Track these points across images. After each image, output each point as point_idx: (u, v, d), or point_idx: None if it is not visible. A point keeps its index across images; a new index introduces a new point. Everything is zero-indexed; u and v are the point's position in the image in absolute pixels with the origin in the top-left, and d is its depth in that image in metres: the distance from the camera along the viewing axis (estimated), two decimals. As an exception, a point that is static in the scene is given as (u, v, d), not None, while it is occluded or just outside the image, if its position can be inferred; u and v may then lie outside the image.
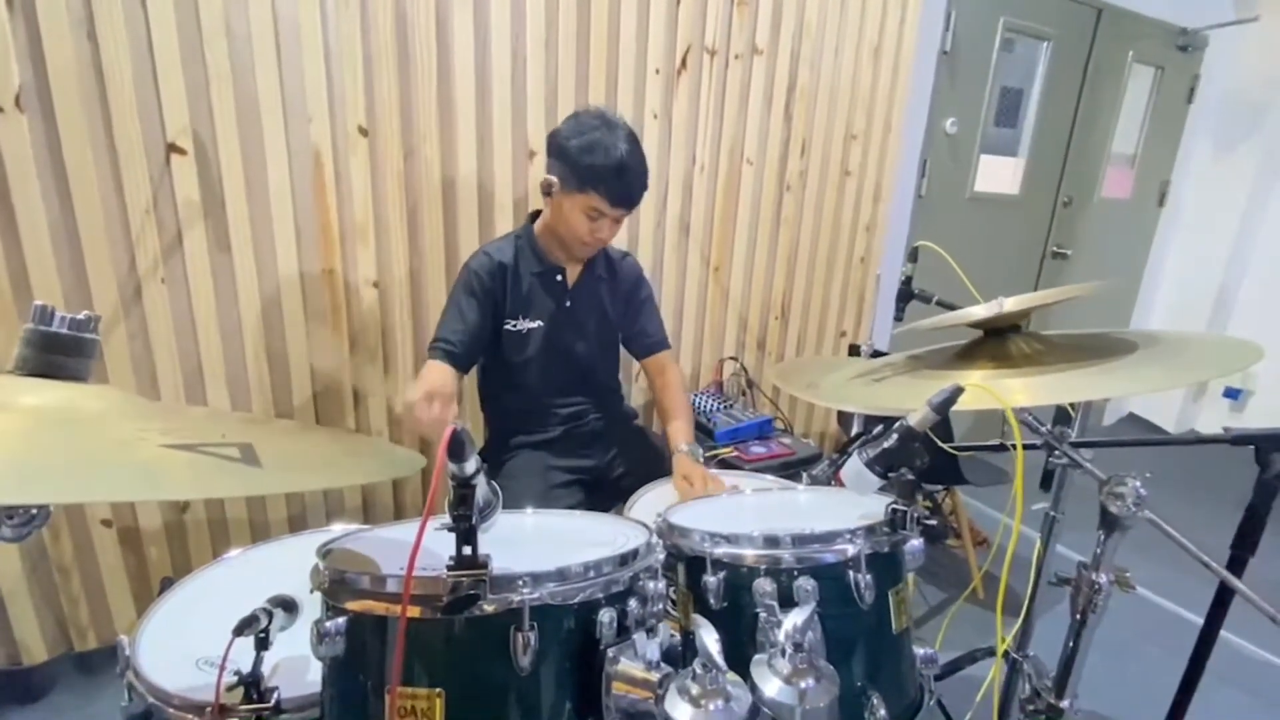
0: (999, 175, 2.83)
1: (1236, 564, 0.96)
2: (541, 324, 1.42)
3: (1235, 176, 3.34)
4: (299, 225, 1.52)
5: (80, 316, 0.56)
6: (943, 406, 0.71)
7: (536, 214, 1.45)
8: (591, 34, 1.75)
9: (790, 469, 1.82)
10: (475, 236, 1.72)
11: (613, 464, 1.51)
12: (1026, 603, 1.14)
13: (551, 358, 1.44)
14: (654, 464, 1.48)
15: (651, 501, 1.26)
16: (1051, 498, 1.18)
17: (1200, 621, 1.04)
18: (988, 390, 0.73)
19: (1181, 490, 2.60)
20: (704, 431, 1.93)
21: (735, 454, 1.85)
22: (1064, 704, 0.95)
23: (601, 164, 1.24)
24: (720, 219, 2.13)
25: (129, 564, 1.52)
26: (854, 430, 1.70)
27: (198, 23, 1.33)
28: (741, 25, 1.98)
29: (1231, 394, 3.53)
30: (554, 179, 1.30)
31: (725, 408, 2.02)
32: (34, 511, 0.52)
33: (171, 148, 1.37)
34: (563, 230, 1.35)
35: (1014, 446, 0.79)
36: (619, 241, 1.92)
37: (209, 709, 0.68)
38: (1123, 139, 3.14)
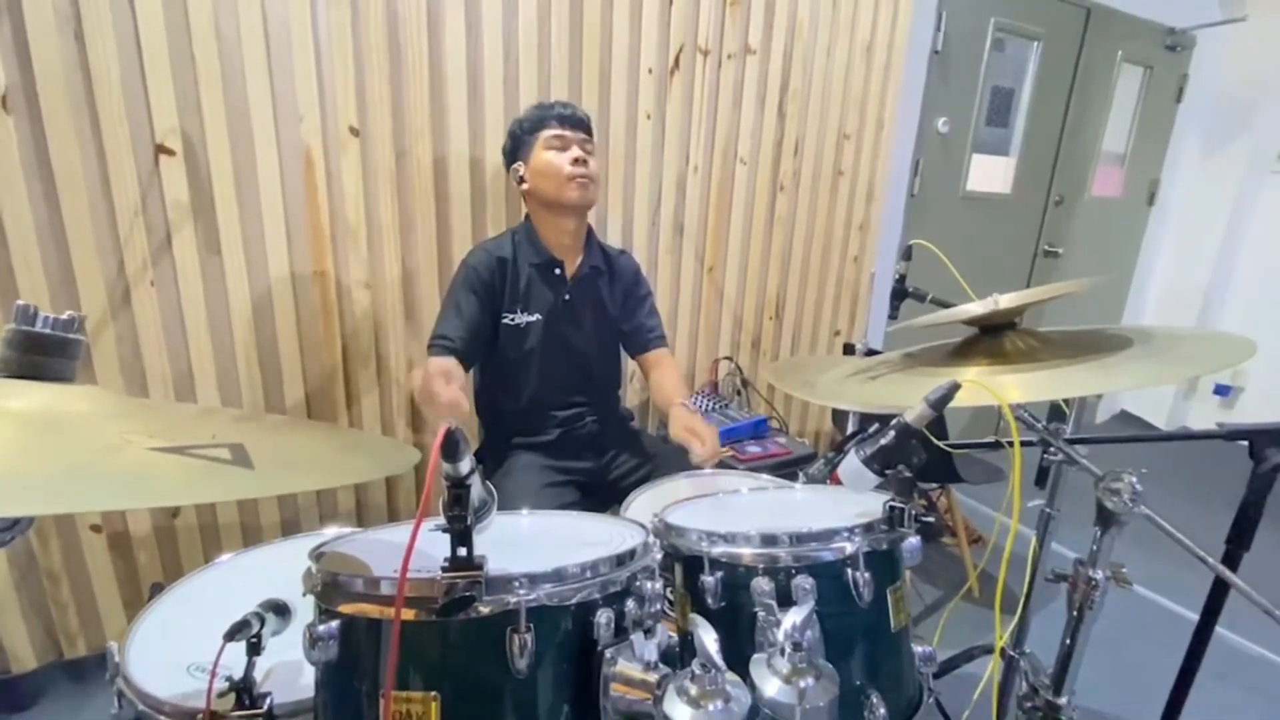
0: (991, 174, 2.84)
1: (1231, 559, 0.96)
2: (540, 317, 1.41)
3: (1224, 174, 3.37)
4: (290, 226, 1.51)
5: (64, 316, 0.55)
6: (940, 403, 0.70)
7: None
8: (584, 34, 1.75)
9: (785, 468, 1.82)
10: (468, 236, 1.71)
11: (609, 466, 1.50)
12: (1023, 600, 1.14)
13: (550, 352, 1.43)
14: (651, 465, 1.48)
15: (648, 502, 1.25)
16: (1047, 494, 1.18)
17: (1196, 617, 1.04)
18: (984, 386, 0.73)
19: (1176, 485, 2.61)
20: (699, 431, 1.93)
21: (731, 454, 1.84)
22: (1062, 700, 0.95)
23: (534, 109, 1.41)
24: (714, 219, 2.13)
25: (119, 570, 1.50)
26: (849, 429, 1.71)
27: (186, 22, 1.32)
28: (734, 25, 1.98)
29: (1221, 390, 3.56)
30: (518, 162, 1.40)
31: (720, 407, 2.02)
32: (16, 518, 0.51)
33: (160, 148, 1.35)
34: (546, 184, 1.36)
35: (1010, 444, 0.79)
36: (614, 240, 1.93)
37: (200, 716, 0.67)
38: (1112, 138, 3.16)
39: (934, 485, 2.18)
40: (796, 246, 2.33)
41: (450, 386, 1.06)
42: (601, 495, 1.49)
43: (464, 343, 1.31)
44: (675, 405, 1.36)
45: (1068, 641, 0.94)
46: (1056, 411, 1.22)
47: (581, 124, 1.39)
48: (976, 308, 0.93)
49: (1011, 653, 1.19)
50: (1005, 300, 0.91)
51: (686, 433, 1.27)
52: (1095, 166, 3.15)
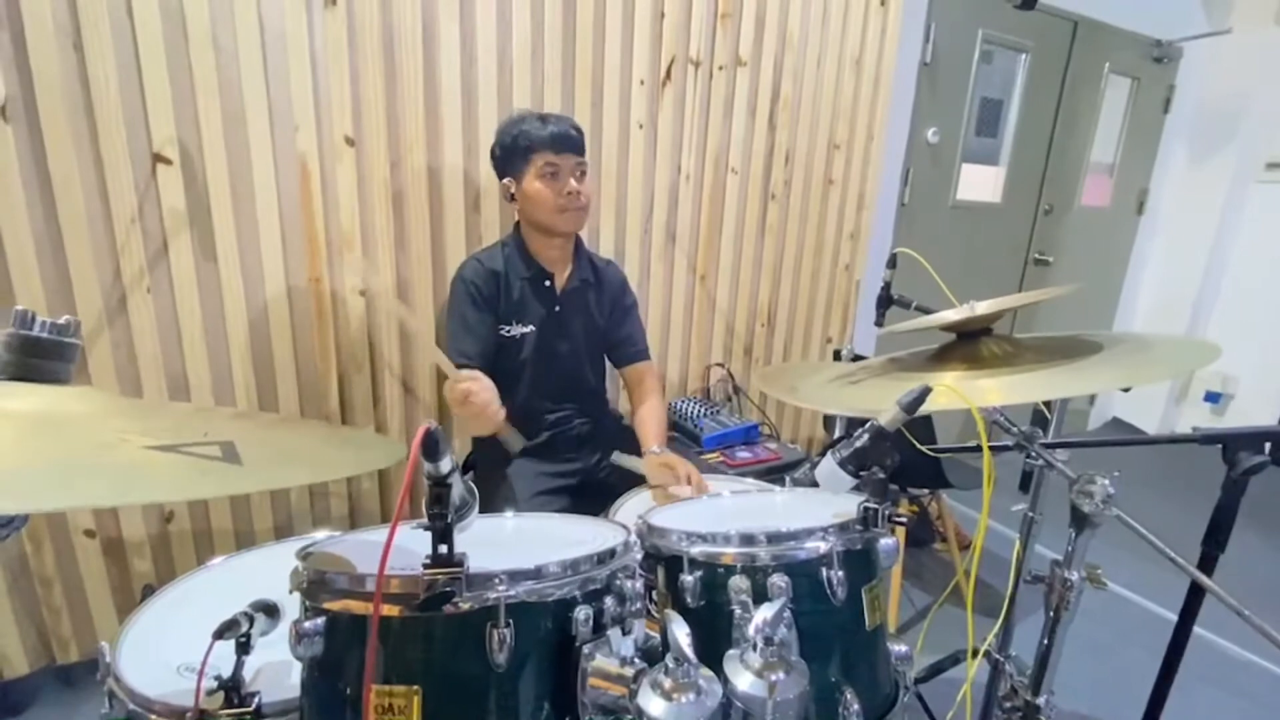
0: (981, 184, 2.88)
1: (1207, 561, 0.98)
2: (533, 329, 1.43)
3: (1211, 184, 3.41)
4: (285, 234, 1.53)
5: (61, 320, 0.57)
6: (911, 406, 0.72)
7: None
8: (577, 45, 1.78)
9: (776, 473, 1.83)
10: (462, 245, 1.73)
11: (599, 466, 1.52)
12: (1006, 603, 1.16)
13: (542, 363, 1.45)
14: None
15: (635, 507, 1.27)
16: (1030, 498, 1.20)
17: (1175, 619, 1.06)
18: (954, 390, 0.75)
19: (1161, 490, 2.63)
20: (690, 437, 1.95)
21: (721, 459, 1.86)
22: (1039, 700, 0.97)
23: (526, 127, 1.36)
24: (706, 228, 2.16)
25: (112, 575, 1.51)
26: (836, 433, 1.72)
27: (184, 32, 1.35)
28: (725, 37, 2.02)
29: (1212, 398, 3.59)
30: (509, 178, 1.40)
31: (712, 413, 2.04)
32: (11, 516, 0.52)
33: (157, 157, 1.38)
34: (538, 211, 1.38)
35: (990, 447, 0.81)
36: (606, 248, 1.95)
37: (189, 714, 0.68)
38: (1101, 148, 3.20)
39: (924, 491, 2.19)
40: (788, 255, 2.36)
41: (487, 395, 1.13)
42: (592, 496, 1.50)
43: (482, 358, 1.34)
44: (649, 453, 1.38)
45: (1045, 642, 0.96)
46: (1039, 417, 1.24)
47: (575, 145, 1.37)
48: (953, 314, 0.95)
49: (996, 655, 1.21)
50: (981, 307, 0.94)
51: (663, 469, 1.29)
52: (1084, 176, 3.19)
